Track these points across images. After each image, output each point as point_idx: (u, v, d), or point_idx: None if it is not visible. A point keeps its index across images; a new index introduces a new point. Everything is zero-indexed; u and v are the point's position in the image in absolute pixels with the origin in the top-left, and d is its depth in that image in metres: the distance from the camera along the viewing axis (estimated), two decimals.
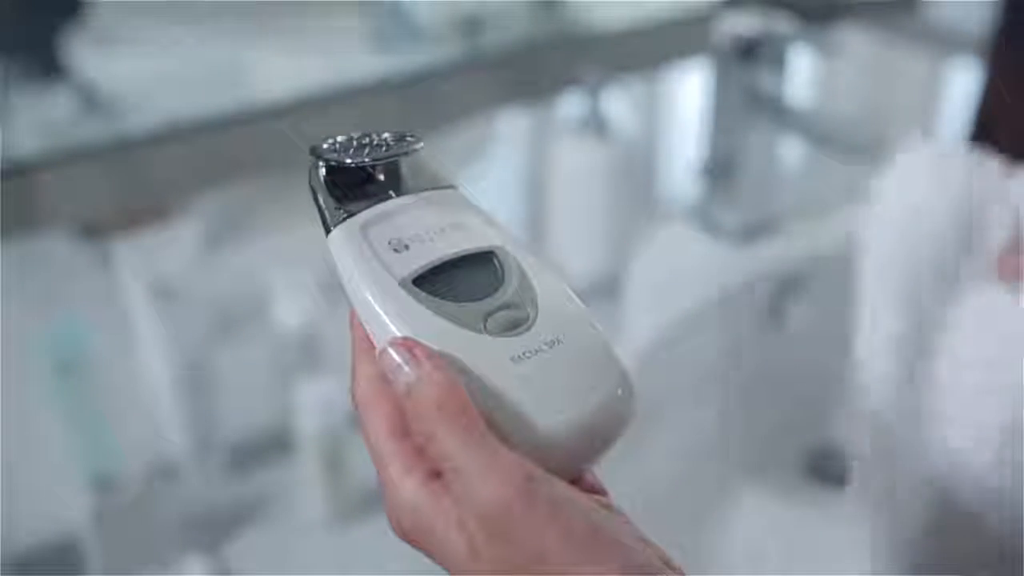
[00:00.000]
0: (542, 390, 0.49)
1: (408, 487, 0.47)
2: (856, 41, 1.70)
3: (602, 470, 0.53)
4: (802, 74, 1.45)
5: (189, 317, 1.20)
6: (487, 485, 0.45)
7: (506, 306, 0.51)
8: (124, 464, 1.16)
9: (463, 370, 0.48)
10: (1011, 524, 0.89)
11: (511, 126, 1.64)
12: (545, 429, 0.48)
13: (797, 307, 1.32)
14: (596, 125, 1.35)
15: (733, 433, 1.30)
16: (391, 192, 0.54)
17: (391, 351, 0.49)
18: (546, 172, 1.46)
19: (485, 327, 0.50)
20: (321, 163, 0.54)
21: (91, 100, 1.25)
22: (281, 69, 1.31)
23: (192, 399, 1.23)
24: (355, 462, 1.20)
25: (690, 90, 1.58)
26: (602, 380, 0.51)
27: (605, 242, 1.41)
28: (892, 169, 0.98)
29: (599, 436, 0.50)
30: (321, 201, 0.54)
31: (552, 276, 0.53)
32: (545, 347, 0.50)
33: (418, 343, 0.48)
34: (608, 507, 0.50)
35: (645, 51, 1.47)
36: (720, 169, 1.32)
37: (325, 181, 0.54)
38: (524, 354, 0.49)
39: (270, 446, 1.28)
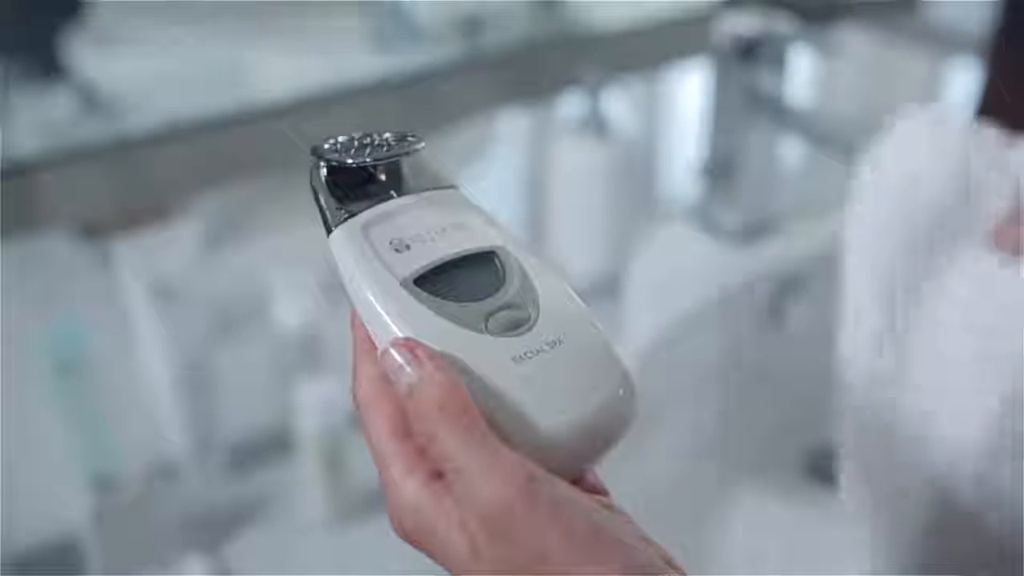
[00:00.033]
0: (543, 390, 0.49)
1: (410, 487, 0.47)
2: (856, 41, 1.70)
3: (602, 470, 0.53)
4: (802, 74, 1.45)
5: (189, 317, 1.20)
6: (489, 485, 0.45)
7: (507, 306, 0.51)
8: (124, 464, 1.16)
9: (464, 370, 0.48)
10: (1011, 524, 0.89)
11: (511, 126, 1.64)
12: (547, 429, 0.48)
13: (797, 307, 1.32)
14: (596, 125, 1.36)
15: (733, 433, 1.30)
16: (392, 192, 0.54)
17: (393, 352, 0.49)
18: (546, 172, 1.46)
19: (486, 327, 0.50)
20: (322, 163, 0.54)
21: (91, 100, 1.25)
22: (281, 69, 1.31)
23: (192, 399, 1.23)
24: (355, 462, 1.20)
25: (690, 90, 1.58)
26: (603, 380, 0.51)
27: (605, 242, 1.41)
28: (890, 136, 0.97)
29: (600, 436, 0.50)
30: (322, 201, 0.54)
31: (553, 276, 0.53)
32: (546, 347, 0.50)
33: (420, 343, 0.48)
34: (610, 507, 0.50)
35: (645, 51, 1.47)
36: (720, 169, 1.32)
37: (326, 181, 0.54)
38: (525, 354, 0.49)
39: (270, 446, 1.28)
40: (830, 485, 1.28)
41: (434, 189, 0.55)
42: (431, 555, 0.48)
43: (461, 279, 0.52)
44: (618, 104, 1.45)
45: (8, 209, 1.08)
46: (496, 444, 0.46)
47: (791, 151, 1.56)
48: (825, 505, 1.25)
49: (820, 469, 1.32)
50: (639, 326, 1.25)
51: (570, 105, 1.43)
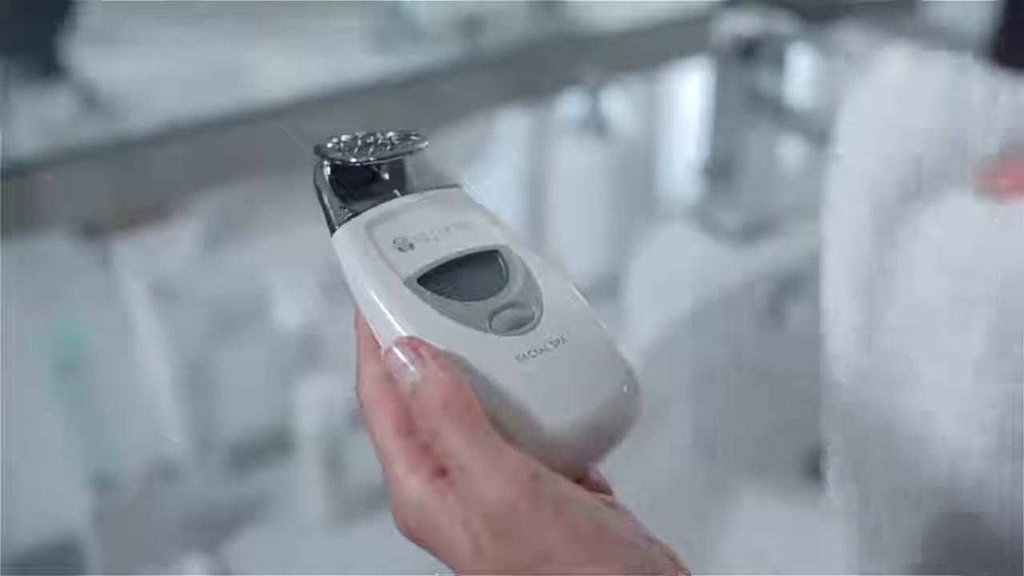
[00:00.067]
0: (547, 389, 0.49)
1: (413, 484, 0.47)
2: (856, 41, 1.70)
3: (603, 469, 0.53)
4: (802, 74, 1.45)
5: (189, 317, 1.20)
6: (492, 484, 0.45)
7: (511, 305, 0.51)
8: (124, 464, 1.16)
9: (468, 369, 0.48)
10: (1011, 525, 0.89)
11: (511, 126, 1.64)
12: (550, 428, 0.48)
13: (797, 307, 1.32)
14: (596, 125, 1.36)
15: (733, 433, 1.30)
16: (396, 191, 0.54)
17: (396, 350, 0.49)
18: (546, 172, 1.46)
19: (490, 326, 0.50)
20: (326, 162, 0.54)
21: (91, 100, 1.25)
22: (281, 69, 1.31)
23: (192, 399, 1.23)
24: (355, 462, 1.20)
25: (690, 90, 1.58)
26: (607, 378, 0.51)
27: (605, 242, 1.41)
28: (869, 82, 0.94)
29: (605, 434, 0.50)
30: (326, 200, 0.54)
31: (556, 275, 0.53)
32: (550, 346, 0.50)
33: (423, 342, 0.48)
34: (613, 505, 0.50)
35: (645, 51, 1.47)
36: (720, 169, 1.32)
37: (330, 180, 0.54)
38: (529, 353, 0.49)
39: (270, 446, 1.28)
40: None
41: (437, 188, 0.55)
42: (434, 553, 0.48)
43: (465, 278, 0.52)
44: (618, 104, 1.45)
45: (8, 209, 1.08)
46: (500, 443, 0.46)
47: (791, 151, 1.56)
48: (825, 505, 1.25)
49: (820, 469, 1.32)
50: (639, 326, 1.25)
51: (570, 105, 1.43)
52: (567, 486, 0.47)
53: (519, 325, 0.50)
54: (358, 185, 0.54)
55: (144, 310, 1.21)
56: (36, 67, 1.26)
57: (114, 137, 1.20)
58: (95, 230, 1.35)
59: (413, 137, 0.54)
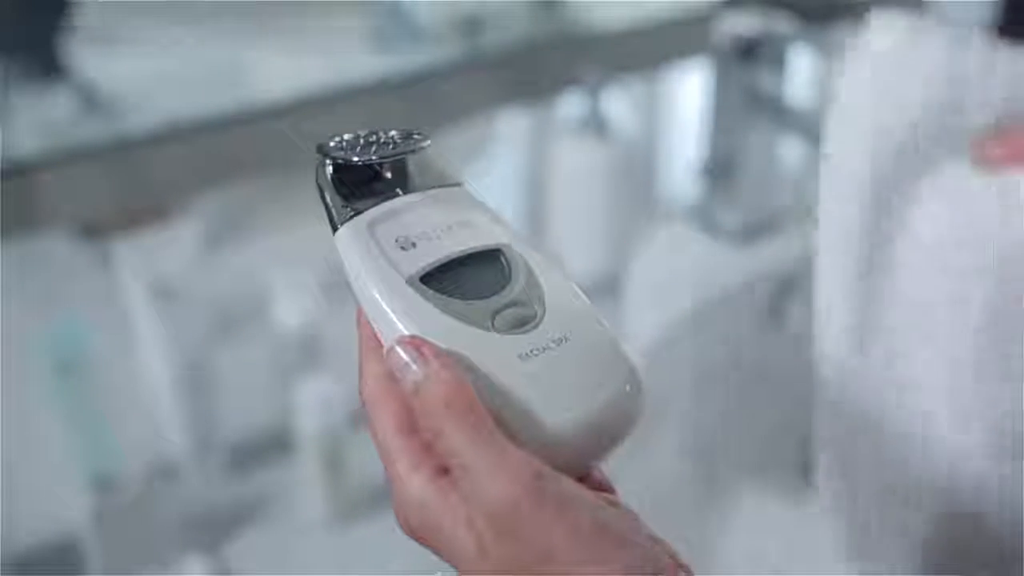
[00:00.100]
0: (550, 388, 0.49)
1: (416, 483, 0.47)
2: None
3: (603, 469, 0.53)
4: (802, 74, 1.45)
5: (189, 317, 1.21)
6: (495, 483, 0.45)
7: (513, 304, 0.51)
8: (124, 464, 1.16)
9: (471, 368, 0.48)
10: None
11: (511, 126, 1.64)
12: (553, 427, 0.48)
13: (797, 307, 1.32)
14: (596, 125, 1.36)
15: (733, 433, 1.30)
16: (398, 190, 0.54)
17: (399, 349, 0.49)
18: (546, 172, 1.46)
19: (493, 325, 0.50)
20: (328, 161, 0.53)
21: (91, 100, 1.25)
22: (281, 69, 1.31)
23: (192, 399, 1.23)
24: (355, 462, 1.20)
25: (690, 90, 1.57)
26: (610, 377, 0.51)
27: (605, 242, 1.41)
28: (864, 51, 0.91)
29: (607, 433, 0.50)
30: (328, 199, 0.53)
31: (559, 274, 0.53)
32: (553, 344, 0.50)
33: (425, 341, 0.48)
34: (615, 504, 0.50)
35: (645, 51, 1.47)
36: (720, 169, 1.32)
37: (332, 179, 0.54)
38: (532, 352, 0.49)
39: (270, 446, 1.28)
40: None
41: (440, 187, 0.55)
42: (436, 551, 0.47)
43: (467, 277, 0.51)
44: (618, 104, 1.45)
45: (8, 209, 1.08)
46: (503, 441, 0.46)
47: (791, 151, 1.56)
48: (816, 503, 1.25)
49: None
50: (639, 326, 1.25)
51: (570, 105, 1.43)
52: (570, 485, 0.47)
53: (521, 324, 0.50)
54: (360, 184, 0.54)
55: (144, 310, 1.21)
56: (36, 67, 1.26)
57: (114, 137, 1.20)
58: (95, 230, 1.35)
59: (415, 136, 0.54)
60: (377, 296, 0.50)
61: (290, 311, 1.27)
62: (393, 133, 0.54)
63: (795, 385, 1.27)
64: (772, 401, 1.31)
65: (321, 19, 1.40)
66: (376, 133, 0.54)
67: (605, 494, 0.50)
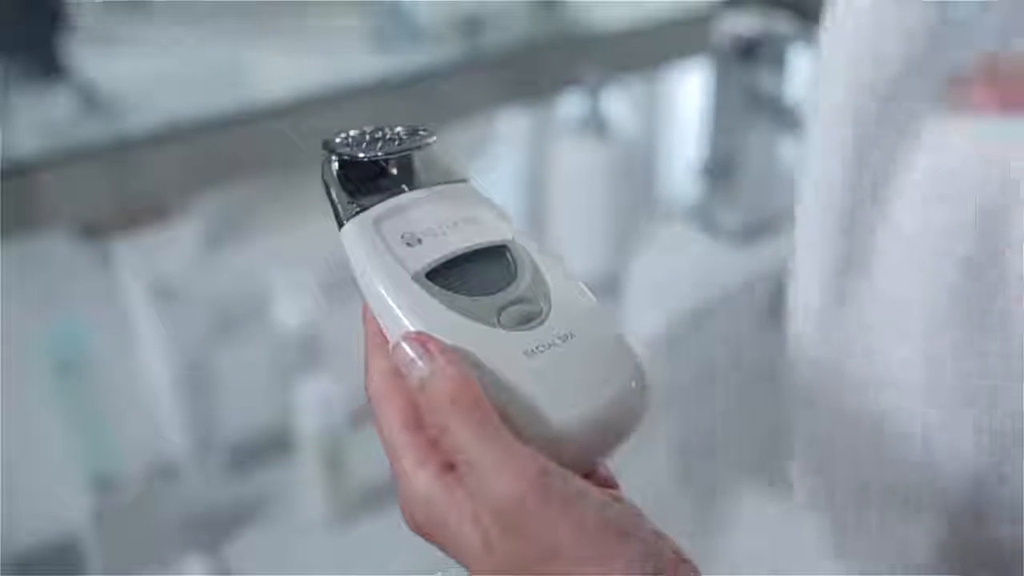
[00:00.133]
0: (555, 384, 0.49)
1: (421, 479, 0.47)
2: None
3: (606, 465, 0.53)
4: (802, 74, 1.45)
5: (189, 317, 1.20)
6: (501, 479, 0.45)
7: (519, 300, 0.51)
8: (124, 464, 1.16)
9: (476, 364, 0.48)
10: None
11: (511, 126, 1.64)
12: (558, 423, 0.48)
13: None
14: (596, 125, 1.36)
15: (733, 433, 1.30)
16: (404, 186, 0.54)
17: (404, 345, 0.48)
18: (546, 172, 1.46)
19: (498, 321, 0.50)
20: (334, 157, 0.53)
21: (91, 100, 1.25)
22: (281, 69, 1.31)
23: (192, 399, 1.23)
24: (355, 462, 1.20)
25: (690, 90, 1.58)
26: (615, 374, 0.50)
27: (605, 242, 1.41)
28: (840, 6, 0.88)
29: (613, 430, 0.50)
30: (334, 195, 0.53)
31: (564, 270, 0.53)
32: (558, 341, 0.50)
33: (431, 337, 0.48)
34: (620, 500, 0.49)
35: (645, 51, 1.47)
36: (720, 169, 1.32)
37: (338, 175, 0.54)
38: (537, 348, 0.49)
39: (270, 446, 1.28)
40: None
41: (445, 183, 0.55)
42: (442, 548, 0.47)
43: (473, 273, 0.51)
44: (618, 104, 1.45)
45: (8, 209, 1.08)
46: (509, 438, 0.46)
47: (791, 151, 1.56)
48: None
49: None
50: (639, 325, 1.25)
51: (570, 105, 1.43)
52: (575, 481, 0.46)
53: (527, 320, 0.50)
54: (366, 180, 0.54)
55: (144, 310, 1.21)
56: (36, 67, 1.26)
57: (114, 137, 1.20)
58: (95, 230, 1.35)
59: (421, 132, 0.54)
60: (383, 292, 0.50)
61: (290, 311, 1.27)
62: (399, 129, 0.54)
63: None
64: (772, 401, 1.32)
65: (321, 19, 1.40)
66: (382, 129, 0.54)
67: (610, 490, 0.50)
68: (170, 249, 1.30)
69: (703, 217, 1.37)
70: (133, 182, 1.17)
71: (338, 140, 0.54)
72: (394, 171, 0.55)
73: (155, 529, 1.15)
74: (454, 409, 0.46)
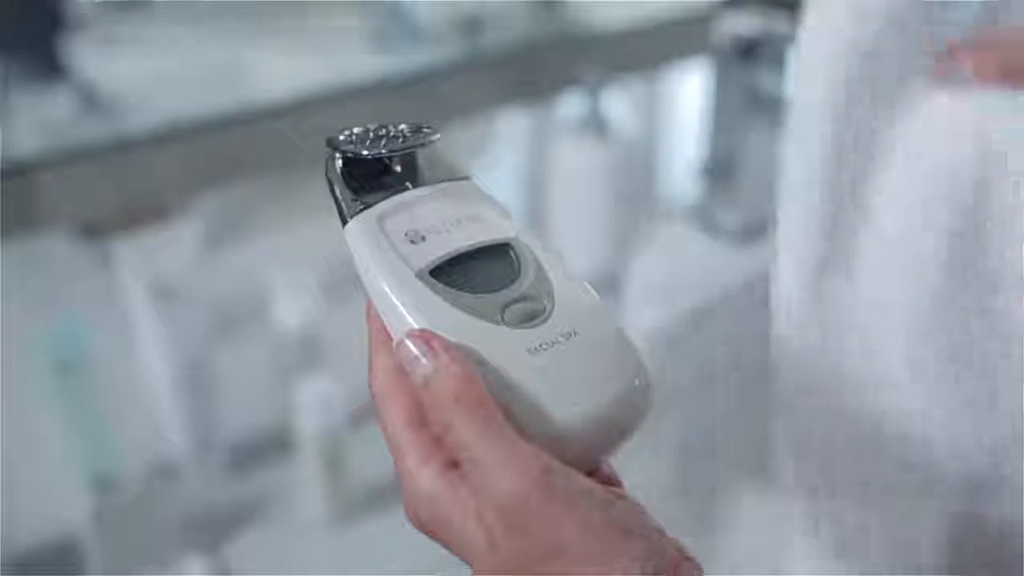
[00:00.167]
0: (559, 382, 0.49)
1: (425, 477, 0.47)
2: None
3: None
4: None
5: (189, 317, 1.20)
6: (505, 477, 0.45)
7: (523, 298, 0.51)
8: (124, 464, 1.16)
9: (480, 361, 0.48)
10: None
11: (511, 126, 1.64)
12: (562, 421, 0.48)
13: None
14: (596, 125, 1.36)
15: (733, 433, 1.30)
16: (408, 183, 0.54)
17: (408, 343, 0.48)
18: (546, 172, 1.46)
19: (502, 319, 0.50)
20: (338, 154, 0.53)
21: (91, 100, 1.25)
22: (281, 69, 1.31)
23: (192, 399, 1.23)
24: (355, 462, 1.20)
25: (690, 90, 1.57)
26: (619, 371, 0.50)
27: (605, 241, 1.41)
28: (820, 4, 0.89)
29: (616, 427, 0.50)
30: (338, 192, 0.53)
31: (567, 269, 0.53)
32: (562, 339, 0.50)
33: (435, 335, 0.48)
34: (624, 498, 0.49)
35: (645, 51, 1.47)
36: (720, 169, 1.32)
37: (342, 172, 0.53)
38: (541, 346, 0.49)
39: (270, 446, 1.28)
40: None
41: (449, 180, 0.55)
42: (446, 545, 0.47)
43: (476, 271, 0.51)
44: (618, 104, 1.45)
45: (8, 209, 1.08)
46: (512, 435, 0.46)
47: None
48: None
49: None
50: (639, 325, 1.25)
51: (570, 105, 1.43)
52: (579, 479, 0.46)
53: (531, 318, 0.50)
54: (370, 177, 0.54)
55: (144, 310, 1.21)
56: (36, 67, 1.25)
57: (114, 137, 1.20)
58: (95, 230, 1.35)
59: (425, 129, 0.54)
60: (387, 289, 0.50)
61: (290, 311, 1.27)
62: (403, 127, 0.54)
63: None
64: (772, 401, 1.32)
65: (321, 19, 1.40)
66: (386, 127, 0.54)
67: (613, 488, 0.50)
68: (170, 249, 1.30)
69: (703, 217, 1.37)
70: (133, 182, 1.17)
71: (342, 138, 0.54)
72: (398, 168, 0.55)
73: (155, 529, 1.15)
74: (458, 406, 0.46)
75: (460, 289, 0.50)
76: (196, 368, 1.22)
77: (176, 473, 1.24)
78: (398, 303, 0.50)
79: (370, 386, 0.50)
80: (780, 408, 1.00)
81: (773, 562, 1.20)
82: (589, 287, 0.53)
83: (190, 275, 1.24)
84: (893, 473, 0.93)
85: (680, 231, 1.38)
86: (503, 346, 0.49)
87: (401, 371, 0.49)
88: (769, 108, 1.27)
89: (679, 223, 1.39)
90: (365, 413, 1.17)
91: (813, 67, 0.88)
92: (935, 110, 0.83)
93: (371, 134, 0.54)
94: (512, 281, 0.51)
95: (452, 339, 0.48)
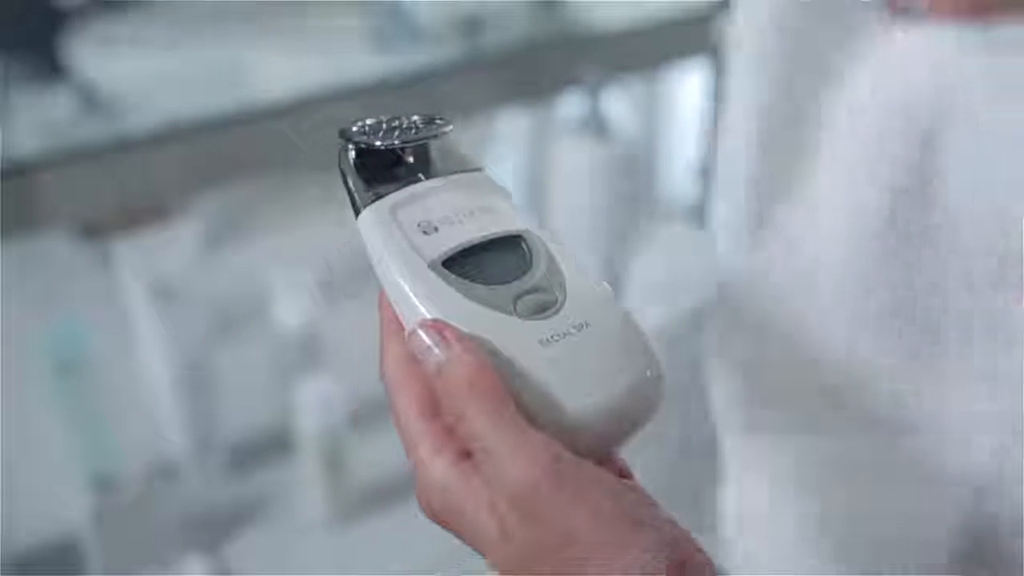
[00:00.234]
0: (571, 373, 0.49)
1: (438, 467, 0.47)
2: None
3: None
4: None
5: (189, 317, 1.21)
6: (516, 465, 0.45)
7: (535, 289, 0.51)
8: (124, 464, 1.16)
9: (492, 352, 0.48)
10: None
11: (511, 126, 1.64)
12: (573, 411, 0.48)
13: None
14: (596, 125, 1.35)
15: None
16: (420, 175, 0.54)
17: (421, 332, 0.48)
18: (546, 172, 1.46)
19: (514, 310, 0.50)
20: (350, 145, 0.53)
21: (91, 100, 1.25)
22: (281, 69, 1.31)
23: (192, 399, 1.23)
24: (355, 462, 1.20)
25: (690, 90, 1.58)
26: (630, 363, 0.50)
27: (605, 242, 1.41)
28: None
29: (628, 419, 0.50)
30: (351, 183, 0.53)
31: (578, 261, 0.53)
32: (573, 330, 0.50)
33: (448, 325, 0.48)
34: (636, 490, 0.49)
35: (645, 51, 1.47)
36: None
37: (355, 163, 0.54)
38: (553, 337, 0.49)
39: (270, 446, 1.28)
40: None
41: (461, 172, 0.55)
42: (459, 535, 0.47)
43: (489, 262, 0.51)
44: (618, 104, 1.45)
45: (8, 209, 1.08)
46: (523, 425, 0.46)
47: None
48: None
49: None
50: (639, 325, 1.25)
51: (570, 105, 1.43)
52: (590, 468, 0.46)
53: (543, 309, 0.50)
54: (383, 168, 0.54)
55: (144, 310, 1.21)
56: (36, 67, 1.25)
57: (114, 137, 1.20)
58: (95, 230, 1.35)
59: (438, 121, 0.54)
60: (399, 280, 0.50)
61: (290, 311, 1.27)
62: (415, 118, 0.54)
63: None
64: None
65: (321, 19, 1.40)
66: (398, 118, 0.54)
67: (625, 480, 0.50)
68: (170, 249, 1.30)
69: (703, 217, 1.37)
70: (133, 182, 1.17)
71: (355, 129, 0.54)
72: (410, 160, 0.55)
73: (155, 529, 1.15)
74: (471, 395, 0.46)
75: (472, 280, 0.50)
76: (196, 368, 1.22)
77: (176, 473, 1.24)
78: (411, 293, 0.50)
79: (381, 375, 0.50)
80: (718, 355, 0.99)
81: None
82: (600, 279, 0.53)
83: (190, 275, 1.24)
84: (842, 422, 0.91)
85: (680, 231, 1.38)
86: (515, 337, 0.49)
87: (413, 360, 0.49)
88: None
89: (679, 223, 1.39)
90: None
91: (758, 5, 0.87)
92: (888, 47, 0.81)
93: (384, 125, 0.54)
94: (524, 273, 0.51)
95: (465, 329, 0.48)
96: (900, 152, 0.79)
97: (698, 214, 1.37)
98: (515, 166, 1.66)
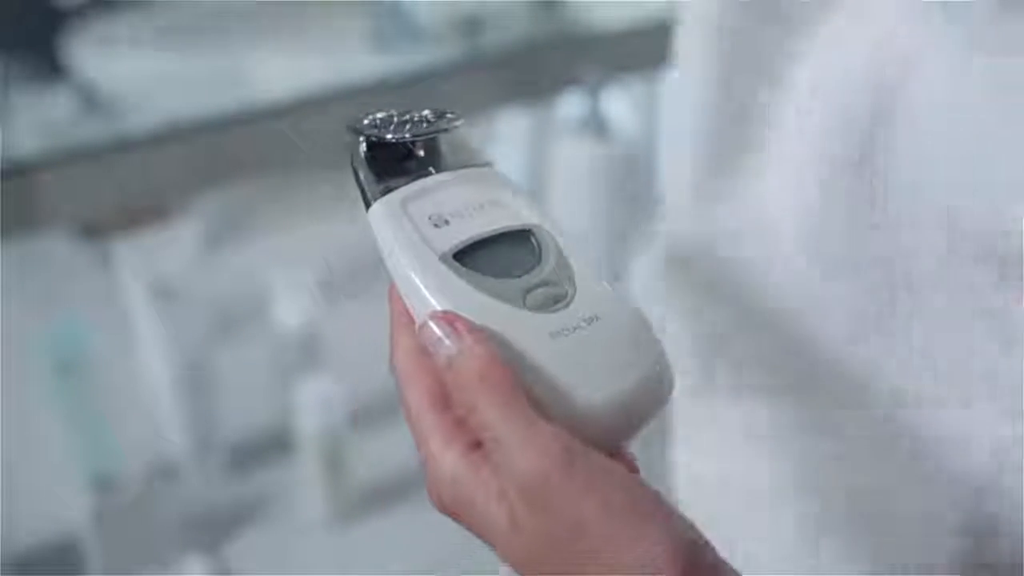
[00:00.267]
0: (581, 366, 0.49)
1: (448, 459, 0.47)
2: None
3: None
4: None
5: (189, 317, 1.21)
6: (526, 456, 0.45)
7: (545, 283, 0.51)
8: (124, 464, 1.16)
9: (503, 344, 0.48)
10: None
11: (511, 126, 1.64)
12: (583, 405, 0.48)
13: None
14: (596, 125, 1.36)
15: None
16: (430, 168, 0.54)
17: (432, 324, 0.48)
18: (546, 172, 1.46)
19: (524, 303, 0.50)
20: (362, 139, 0.54)
21: (91, 100, 1.25)
22: (281, 69, 1.31)
23: (192, 399, 1.23)
24: (355, 462, 1.20)
25: None
26: (640, 357, 0.51)
27: (605, 242, 1.41)
28: None
29: (637, 412, 0.50)
30: (361, 176, 0.53)
31: (587, 255, 0.53)
32: (583, 324, 0.50)
33: (459, 316, 0.48)
34: (645, 485, 0.49)
35: (645, 51, 1.47)
36: None
37: (365, 157, 0.54)
38: (563, 330, 0.49)
39: (270, 446, 1.28)
40: None
41: (471, 166, 0.55)
42: (469, 527, 0.47)
43: (499, 255, 0.51)
44: (618, 104, 1.46)
45: (8, 209, 1.08)
46: (533, 416, 0.46)
47: None
48: None
49: None
50: None
51: (570, 105, 1.43)
52: (600, 459, 0.46)
53: (553, 303, 0.50)
54: (393, 162, 0.54)
55: (144, 310, 1.21)
56: (36, 67, 1.25)
57: (114, 137, 1.20)
58: (95, 230, 1.35)
59: (448, 115, 0.54)
60: (410, 272, 0.50)
61: (290, 311, 1.27)
62: (426, 112, 0.54)
63: None
64: None
65: (321, 19, 1.40)
66: (408, 112, 0.54)
67: (634, 475, 0.50)
68: (170, 249, 1.30)
69: None
70: (133, 182, 1.17)
71: (366, 122, 0.54)
72: (421, 153, 0.55)
73: (155, 529, 1.15)
74: (482, 387, 0.46)
75: (483, 273, 0.50)
76: (196, 368, 1.22)
77: (176, 473, 1.24)
78: (421, 285, 0.50)
79: (391, 367, 0.50)
80: (672, 301, 0.98)
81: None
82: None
83: (190, 275, 1.24)
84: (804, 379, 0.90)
85: None
86: (526, 330, 0.49)
87: (423, 353, 0.49)
88: None
89: None
90: None
91: (698, 4, 0.87)
92: (828, 48, 0.81)
93: (395, 119, 0.54)
94: (534, 266, 0.52)
95: (475, 322, 0.48)
96: (840, 153, 0.79)
97: None
98: (515, 166, 1.66)
